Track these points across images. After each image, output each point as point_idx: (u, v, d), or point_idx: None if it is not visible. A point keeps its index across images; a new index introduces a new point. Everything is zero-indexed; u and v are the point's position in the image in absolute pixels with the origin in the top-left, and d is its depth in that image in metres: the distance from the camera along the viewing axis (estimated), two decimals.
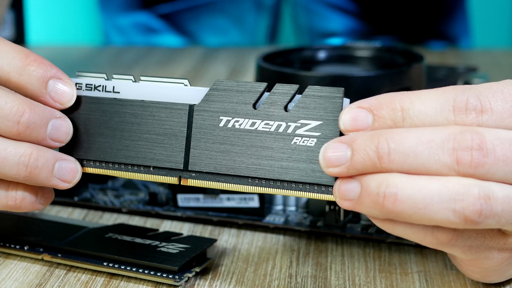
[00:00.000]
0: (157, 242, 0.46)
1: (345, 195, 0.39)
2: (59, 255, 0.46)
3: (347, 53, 0.64)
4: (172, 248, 0.46)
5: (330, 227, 0.49)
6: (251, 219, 0.51)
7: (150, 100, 0.43)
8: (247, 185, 0.41)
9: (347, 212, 0.49)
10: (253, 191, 0.41)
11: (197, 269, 0.45)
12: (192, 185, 0.42)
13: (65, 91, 0.44)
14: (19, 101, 0.42)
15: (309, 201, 0.51)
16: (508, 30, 1.52)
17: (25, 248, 0.47)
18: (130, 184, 0.57)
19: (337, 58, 0.64)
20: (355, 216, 0.50)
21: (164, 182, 0.43)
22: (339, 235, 0.50)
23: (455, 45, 1.06)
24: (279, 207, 0.52)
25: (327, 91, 0.40)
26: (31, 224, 0.50)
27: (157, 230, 0.49)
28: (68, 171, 0.43)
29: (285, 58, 0.63)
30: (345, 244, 0.49)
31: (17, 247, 0.48)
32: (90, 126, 0.44)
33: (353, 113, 0.39)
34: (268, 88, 0.42)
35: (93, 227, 0.49)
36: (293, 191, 0.41)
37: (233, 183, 0.42)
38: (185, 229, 0.51)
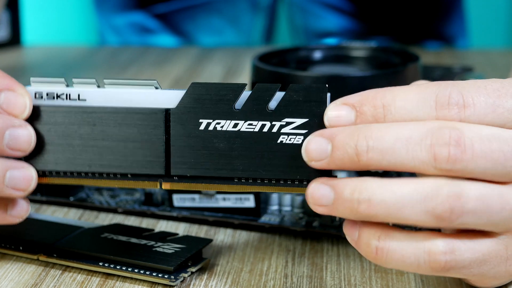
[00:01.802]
0: (153, 242, 0.46)
1: (319, 201, 0.39)
2: (55, 255, 0.46)
3: (343, 53, 0.64)
4: (168, 248, 0.46)
5: (326, 227, 0.49)
6: (246, 219, 0.51)
7: (123, 107, 0.42)
8: (233, 184, 0.41)
9: None
10: (240, 190, 0.41)
11: (193, 269, 0.45)
12: (174, 188, 0.42)
13: (17, 102, 0.42)
14: None
15: (304, 200, 0.51)
16: (504, 30, 1.53)
17: (21, 248, 0.47)
18: None
19: (333, 58, 0.64)
20: None
21: (144, 187, 0.42)
22: (334, 235, 0.50)
23: (451, 45, 1.06)
24: (274, 207, 0.52)
25: (310, 88, 0.40)
26: (26, 224, 0.50)
27: (152, 230, 0.49)
28: (20, 180, 0.42)
29: (280, 58, 0.63)
30: (341, 244, 0.49)
31: (13, 247, 0.48)
32: (57, 136, 0.42)
33: (337, 109, 0.39)
34: (248, 89, 0.41)
35: (89, 227, 0.49)
36: (281, 188, 0.41)
37: (219, 184, 0.41)
38: (181, 229, 0.51)
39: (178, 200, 0.52)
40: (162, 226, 0.52)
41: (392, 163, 0.37)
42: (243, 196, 0.51)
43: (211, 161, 0.41)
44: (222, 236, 0.50)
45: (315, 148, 0.39)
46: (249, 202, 0.51)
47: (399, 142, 0.37)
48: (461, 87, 0.38)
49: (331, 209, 0.39)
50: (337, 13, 1.07)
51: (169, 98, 0.41)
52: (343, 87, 0.55)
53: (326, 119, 0.39)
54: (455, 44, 1.07)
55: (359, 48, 0.64)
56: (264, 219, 0.51)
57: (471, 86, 0.39)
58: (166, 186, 0.42)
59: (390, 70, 0.56)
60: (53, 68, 0.98)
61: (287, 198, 0.52)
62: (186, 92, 0.41)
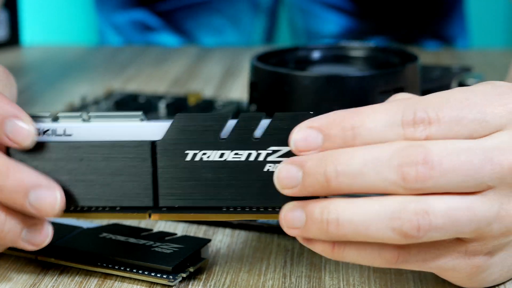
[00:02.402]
0: (151, 242, 0.46)
1: (292, 224, 0.39)
2: (53, 255, 0.46)
3: (342, 53, 0.64)
4: (166, 248, 0.46)
5: None
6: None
7: (109, 140, 0.42)
8: (222, 213, 0.41)
9: None
10: (229, 219, 0.41)
11: (191, 269, 0.45)
12: (163, 219, 0.42)
13: (23, 131, 0.41)
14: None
15: None
16: (503, 30, 1.53)
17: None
18: None
19: (332, 58, 0.64)
20: None
21: (133, 219, 0.42)
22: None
23: (452, 45, 1.06)
24: None
25: (295, 116, 0.40)
26: None
27: (151, 230, 0.49)
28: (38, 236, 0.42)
29: (279, 58, 0.63)
30: None
31: (11, 247, 0.47)
32: (45, 172, 0.42)
33: (303, 133, 0.39)
34: (233, 117, 0.41)
35: (87, 227, 0.49)
36: (270, 216, 0.41)
37: (207, 213, 0.41)
38: (179, 229, 0.51)
39: None
40: (160, 226, 0.52)
41: (363, 187, 0.37)
42: None
43: (199, 191, 0.41)
44: (220, 236, 0.50)
45: (286, 176, 0.39)
46: None
47: (367, 165, 0.37)
48: (425, 104, 0.38)
49: (304, 231, 0.39)
50: (338, 13, 1.07)
51: (154, 130, 0.41)
52: (342, 87, 0.55)
53: (293, 143, 0.39)
54: (455, 44, 1.07)
55: (358, 48, 0.64)
56: (263, 219, 0.51)
57: (435, 101, 0.38)
58: (155, 217, 0.42)
59: (389, 70, 0.56)
60: (52, 68, 0.97)
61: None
62: (171, 123, 0.41)
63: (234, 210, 0.41)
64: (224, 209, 0.41)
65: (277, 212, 0.40)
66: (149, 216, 0.42)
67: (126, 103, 0.73)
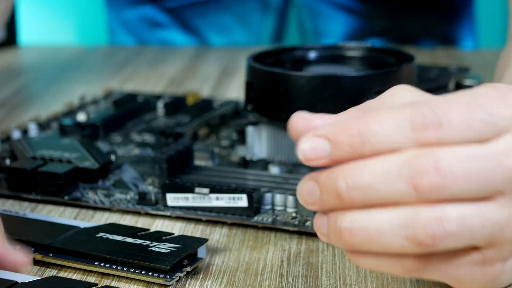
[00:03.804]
0: (148, 242, 0.46)
1: (320, 230, 0.39)
2: (50, 254, 0.46)
3: (339, 53, 0.64)
4: (163, 247, 0.46)
5: None
6: (240, 218, 0.51)
7: None
8: None
9: None
10: None
11: (188, 269, 0.45)
12: None
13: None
14: None
15: (297, 200, 0.51)
16: (500, 30, 1.53)
17: (17, 247, 0.47)
18: (120, 183, 0.57)
19: (329, 58, 0.64)
20: None
21: None
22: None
23: (459, 47, 1.06)
24: (268, 207, 0.52)
25: None
26: (22, 224, 0.50)
27: (148, 229, 0.49)
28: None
29: (276, 58, 0.63)
30: None
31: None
32: None
33: (311, 142, 0.38)
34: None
35: (85, 227, 0.49)
36: None
37: None
38: (176, 228, 0.51)
39: (172, 199, 0.52)
40: (158, 225, 0.52)
41: (375, 199, 0.37)
42: (236, 195, 0.51)
43: None
44: (217, 235, 0.51)
45: (306, 192, 0.38)
46: (242, 201, 0.51)
47: (377, 179, 0.37)
48: (433, 106, 0.37)
49: (327, 237, 0.39)
50: (346, 13, 1.07)
51: None
52: (337, 87, 0.55)
53: (301, 154, 0.38)
54: (460, 45, 1.07)
55: (355, 48, 0.64)
56: (257, 218, 0.51)
57: (442, 103, 0.38)
58: None
59: (385, 70, 0.56)
60: (49, 68, 0.97)
61: (279, 199, 0.52)
62: None
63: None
64: None
65: None
66: None
67: (125, 103, 0.73)
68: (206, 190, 0.51)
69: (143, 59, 1.00)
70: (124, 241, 0.47)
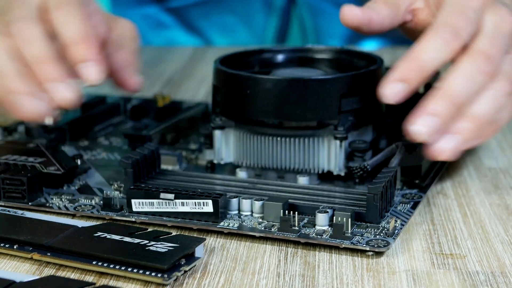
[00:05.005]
0: (146, 241, 0.47)
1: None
2: (49, 254, 0.47)
3: (307, 55, 0.63)
4: (161, 247, 0.46)
5: (285, 232, 0.49)
6: (205, 224, 0.51)
7: None
8: None
9: (302, 217, 0.50)
10: None
11: (186, 268, 0.45)
12: None
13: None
14: None
15: (263, 205, 0.51)
16: None
17: (15, 247, 0.48)
18: (86, 189, 0.56)
19: (297, 60, 0.63)
20: (310, 222, 0.50)
21: None
22: (292, 241, 0.49)
23: None
24: (234, 212, 0.52)
25: None
26: (20, 223, 0.50)
27: (146, 229, 0.49)
28: None
29: (244, 60, 0.62)
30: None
31: (7, 246, 0.48)
32: None
33: (390, 86, 0.51)
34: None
35: (82, 226, 0.49)
36: None
37: None
38: (174, 228, 0.51)
39: (137, 205, 0.52)
40: (155, 225, 0.52)
41: None
42: (201, 201, 0.51)
43: None
44: (215, 235, 0.51)
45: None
46: (208, 207, 0.51)
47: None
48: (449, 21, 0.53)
49: None
50: None
51: None
52: (304, 90, 0.54)
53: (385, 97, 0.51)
54: None
55: (324, 51, 0.63)
56: (223, 224, 0.51)
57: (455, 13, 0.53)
58: None
59: (352, 73, 0.56)
60: None
61: (246, 204, 0.52)
62: None
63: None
64: None
65: None
66: None
67: (93, 106, 0.71)
68: (171, 196, 0.51)
69: (141, 58, 1.00)
70: (122, 241, 0.47)
